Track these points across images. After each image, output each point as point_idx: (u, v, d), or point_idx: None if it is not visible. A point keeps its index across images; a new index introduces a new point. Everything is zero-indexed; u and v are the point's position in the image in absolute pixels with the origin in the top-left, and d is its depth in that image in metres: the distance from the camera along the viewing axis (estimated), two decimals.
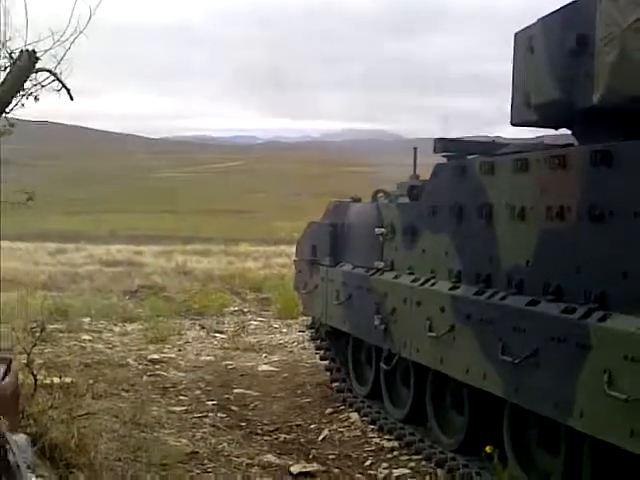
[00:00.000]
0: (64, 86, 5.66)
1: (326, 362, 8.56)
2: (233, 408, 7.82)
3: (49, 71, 5.59)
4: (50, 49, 5.54)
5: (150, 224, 47.54)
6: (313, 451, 6.46)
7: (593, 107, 4.68)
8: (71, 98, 5.76)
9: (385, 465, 6.09)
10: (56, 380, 6.49)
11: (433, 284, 5.78)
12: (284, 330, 12.49)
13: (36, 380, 5.70)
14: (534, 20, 5.42)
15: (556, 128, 5.82)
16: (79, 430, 5.23)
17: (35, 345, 6.09)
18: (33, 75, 5.53)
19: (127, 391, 8.17)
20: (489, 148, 5.90)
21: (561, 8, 5.06)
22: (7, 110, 5.55)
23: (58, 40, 5.53)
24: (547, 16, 5.22)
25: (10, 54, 5.48)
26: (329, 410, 7.69)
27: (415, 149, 7.45)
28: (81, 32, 5.52)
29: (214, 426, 7.09)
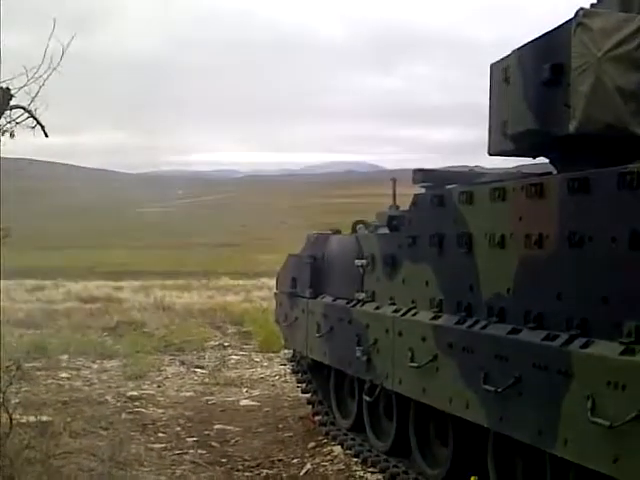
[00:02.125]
0: (38, 123, 5.64)
1: (308, 395, 8.48)
2: (213, 444, 7.71)
3: (23, 108, 5.58)
4: (24, 86, 5.53)
5: (129, 259, 47.31)
6: None
7: (569, 136, 4.72)
8: (46, 135, 5.74)
9: None
10: (32, 419, 6.37)
11: (414, 314, 5.76)
12: (265, 364, 12.38)
13: (12, 419, 5.58)
14: (509, 51, 5.49)
15: (533, 157, 5.86)
16: (56, 470, 5.11)
17: (11, 384, 5.98)
18: (7, 112, 5.51)
19: (105, 429, 8.02)
20: (468, 178, 5.92)
21: (536, 39, 5.13)
22: None
23: (32, 77, 5.52)
24: (522, 47, 5.28)
25: None
26: (312, 444, 7.60)
27: (394, 180, 7.48)
28: (54, 69, 5.51)
29: (194, 463, 6.98)
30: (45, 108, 5.60)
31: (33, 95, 5.51)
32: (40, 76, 5.48)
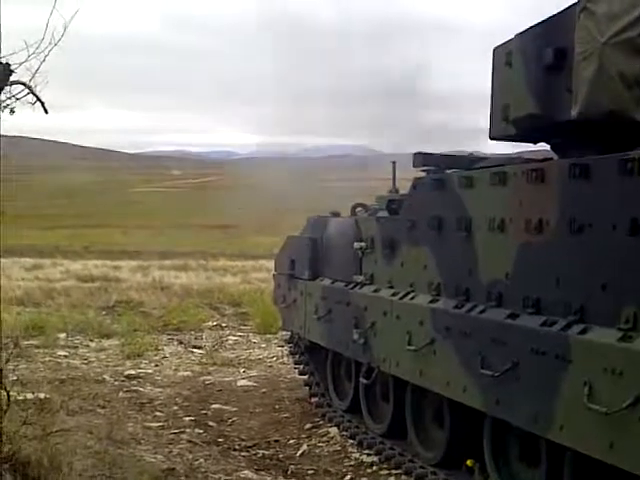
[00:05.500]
0: (38, 99, 5.60)
1: (305, 377, 8.51)
2: (210, 424, 7.74)
3: (23, 84, 5.54)
4: (25, 61, 5.48)
5: (127, 239, 47.30)
6: (292, 467, 6.39)
7: (571, 121, 4.71)
8: (46, 111, 5.70)
9: None
10: (30, 396, 6.39)
11: (412, 297, 5.77)
12: (263, 345, 12.41)
13: (9, 396, 5.59)
14: (511, 35, 5.46)
15: (534, 142, 5.84)
16: (53, 447, 5.13)
17: (8, 361, 5.99)
18: (7, 88, 5.47)
19: (103, 407, 8.06)
20: (468, 162, 5.91)
21: (539, 23, 5.10)
22: None
23: (33, 52, 5.48)
24: (525, 31, 5.26)
25: None
26: (308, 425, 7.63)
27: (394, 163, 7.47)
28: (56, 44, 5.47)
29: (191, 442, 7.01)
30: (45, 84, 5.57)
31: (34, 71, 5.47)
32: (41, 52, 5.43)
